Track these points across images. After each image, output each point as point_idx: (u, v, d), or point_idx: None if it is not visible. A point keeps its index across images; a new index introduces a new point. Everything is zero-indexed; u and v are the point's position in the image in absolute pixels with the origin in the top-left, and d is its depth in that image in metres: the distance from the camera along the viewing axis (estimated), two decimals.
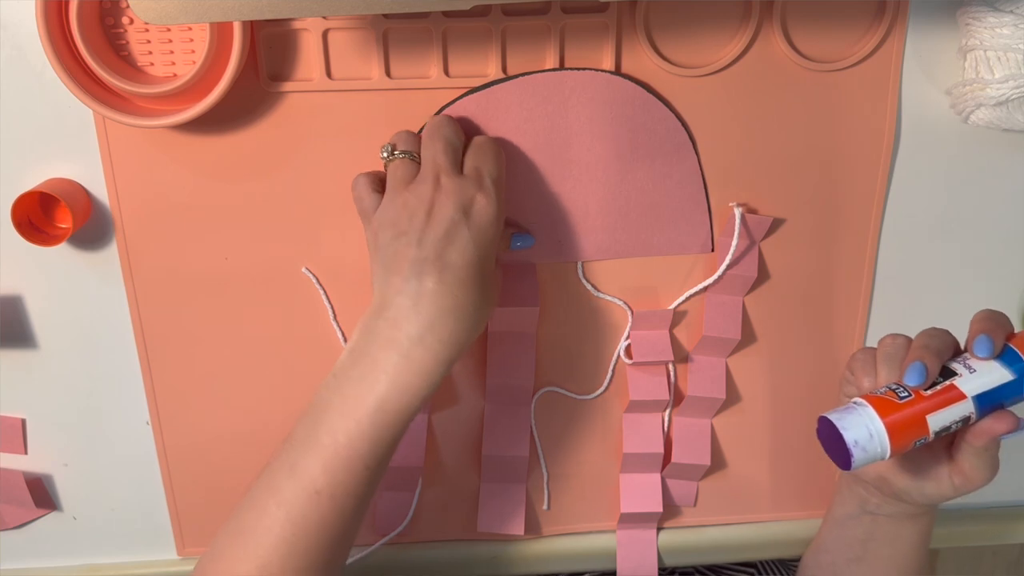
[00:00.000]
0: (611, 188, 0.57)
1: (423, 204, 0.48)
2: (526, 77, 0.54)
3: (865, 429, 0.46)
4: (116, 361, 0.59)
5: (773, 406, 0.64)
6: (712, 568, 0.72)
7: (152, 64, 0.52)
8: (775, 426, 0.64)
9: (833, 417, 0.47)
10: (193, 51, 0.52)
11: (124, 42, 0.51)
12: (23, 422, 0.60)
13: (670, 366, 0.62)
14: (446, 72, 0.53)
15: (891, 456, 0.46)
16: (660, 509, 0.64)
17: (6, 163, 0.54)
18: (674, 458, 0.63)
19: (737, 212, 0.57)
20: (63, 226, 0.55)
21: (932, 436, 0.47)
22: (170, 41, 0.51)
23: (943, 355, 0.48)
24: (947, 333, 0.50)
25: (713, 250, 0.59)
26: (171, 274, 0.57)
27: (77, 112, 0.53)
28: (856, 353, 0.53)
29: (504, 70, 0.54)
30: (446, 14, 0.52)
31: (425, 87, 0.53)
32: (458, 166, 0.50)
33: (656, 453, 0.63)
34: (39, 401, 0.60)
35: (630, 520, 0.65)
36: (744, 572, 0.71)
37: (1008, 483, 0.69)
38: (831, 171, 0.58)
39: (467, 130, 0.54)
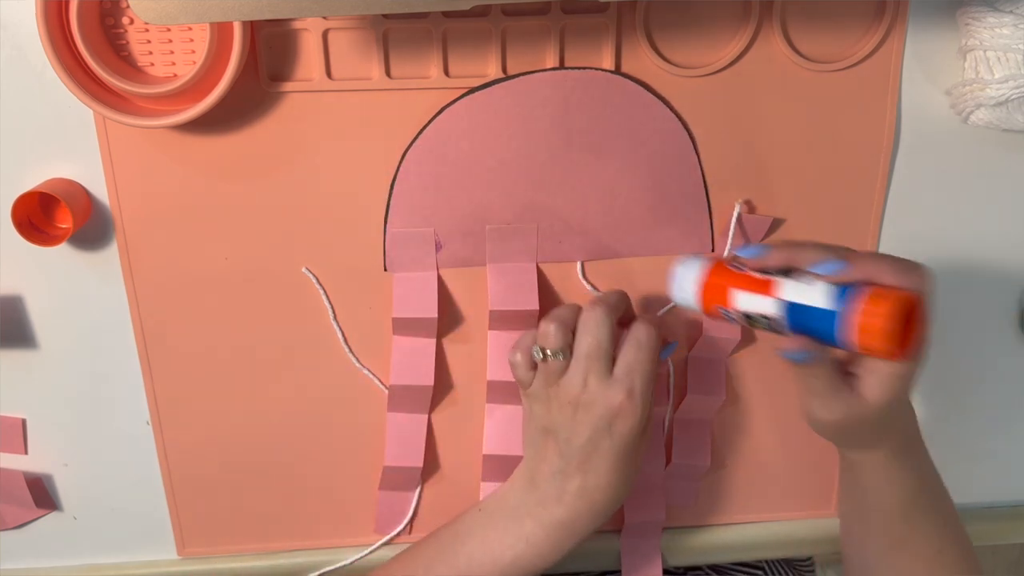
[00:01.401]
0: (611, 188, 0.57)
1: (569, 405, 0.51)
2: (526, 76, 0.54)
3: (693, 271, 0.51)
4: (116, 361, 0.59)
5: (773, 406, 0.64)
6: (718, 568, 0.72)
7: (152, 64, 0.52)
8: (775, 426, 0.64)
9: (683, 256, 0.52)
10: (193, 51, 0.52)
11: (124, 42, 0.51)
12: (23, 422, 0.60)
13: (670, 366, 0.62)
14: (446, 72, 0.53)
15: (702, 311, 0.51)
16: (663, 516, 0.64)
17: (6, 163, 0.54)
18: (674, 458, 0.63)
19: (736, 208, 0.57)
20: (63, 226, 0.55)
21: (737, 312, 0.49)
22: (170, 41, 0.51)
23: (797, 258, 0.48)
24: (820, 250, 0.48)
25: (713, 250, 0.59)
26: (171, 274, 0.57)
27: (77, 112, 0.53)
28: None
29: (504, 70, 0.54)
30: (446, 14, 0.52)
31: (425, 87, 0.53)
32: (609, 364, 0.51)
33: (657, 456, 0.63)
34: (39, 401, 0.60)
35: (634, 530, 0.65)
36: (750, 571, 0.71)
37: (1008, 483, 0.69)
38: (831, 171, 0.58)
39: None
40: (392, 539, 0.64)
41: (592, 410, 0.50)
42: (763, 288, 0.48)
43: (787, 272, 0.48)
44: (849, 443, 0.54)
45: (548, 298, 0.59)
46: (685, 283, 0.51)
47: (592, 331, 0.51)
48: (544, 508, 0.53)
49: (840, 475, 0.60)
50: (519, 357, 0.53)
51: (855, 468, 0.56)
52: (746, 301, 0.49)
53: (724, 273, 0.50)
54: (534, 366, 0.53)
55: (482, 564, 0.53)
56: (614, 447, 0.51)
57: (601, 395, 0.50)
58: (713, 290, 0.50)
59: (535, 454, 0.54)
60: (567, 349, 0.51)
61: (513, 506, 0.54)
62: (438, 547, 0.55)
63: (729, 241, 0.57)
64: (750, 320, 0.49)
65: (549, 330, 0.51)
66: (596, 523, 0.53)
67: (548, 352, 0.51)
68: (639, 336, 0.51)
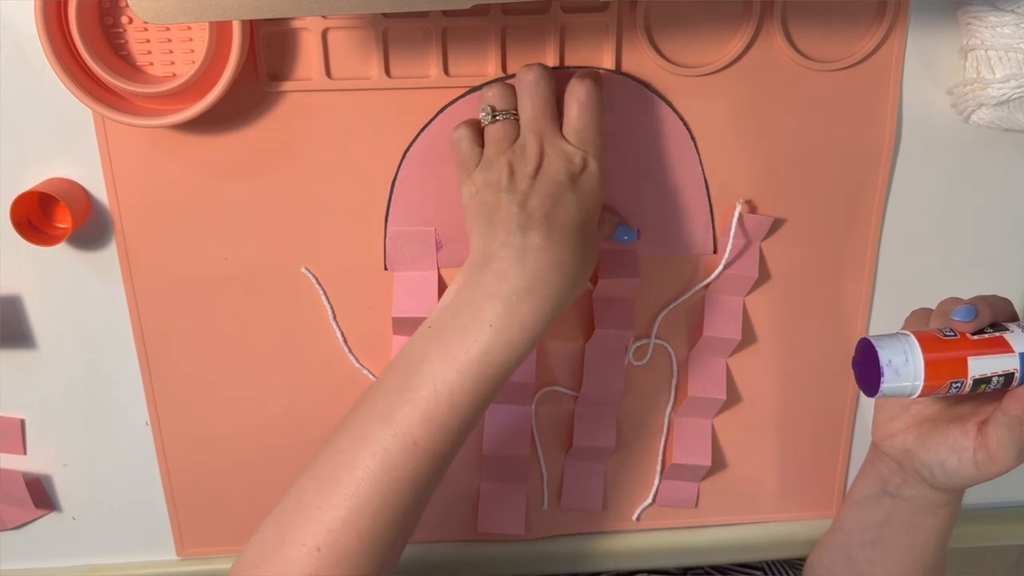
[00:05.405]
0: (612, 187, 0.57)
1: (529, 167, 0.48)
2: None
3: (903, 353, 0.45)
4: (116, 361, 0.59)
5: (774, 406, 0.64)
6: (719, 568, 0.72)
7: (151, 64, 0.52)
8: (776, 426, 0.64)
9: (873, 337, 0.45)
10: (192, 51, 0.51)
11: (123, 42, 0.51)
12: (23, 422, 0.60)
13: (672, 365, 0.62)
14: (446, 71, 0.53)
15: (922, 393, 0.44)
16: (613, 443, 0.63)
17: (6, 163, 0.54)
18: (674, 458, 0.63)
19: (737, 208, 0.57)
20: (62, 226, 0.55)
21: (969, 383, 0.45)
22: (169, 41, 0.51)
23: (998, 311, 0.48)
24: (1007, 300, 0.49)
25: (716, 250, 0.59)
26: (171, 274, 0.57)
27: (77, 112, 0.53)
28: (914, 311, 0.53)
29: (504, 69, 0.53)
30: (446, 13, 0.52)
31: (425, 86, 0.53)
32: (557, 124, 0.50)
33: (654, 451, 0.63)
34: (39, 401, 0.60)
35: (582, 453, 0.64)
36: (751, 572, 0.71)
37: (1008, 483, 0.69)
38: (832, 171, 0.58)
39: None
40: None
41: (554, 169, 0.48)
42: (995, 347, 0.46)
43: (992, 326, 0.47)
44: (934, 496, 0.53)
45: None
46: (904, 367, 0.45)
47: (534, 91, 0.49)
48: (503, 280, 0.46)
49: (881, 498, 0.56)
50: (463, 130, 0.51)
51: (917, 503, 0.54)
52: (982, 365, 0.45)
53: (947, 344, 0.46)
54: (479, 142, 0.51)
55: (446, 380, 0.45)
56: (577, 199, 0.48)
57: (561, 155, 0.48)
58: (942, 365, 0.45)
59: (487, 228, 0.48)
60: (514, 111, 0.50)
61: (465, 299, 0.47)
62: (397, 382, 0.47)
63: (730, 242, 0.57)
64: (978, 381, 0.46)
65: (495, 91, 0.50)
66: (565, 291, 0.47)
67: (498, 112, 0.50)
68: (579, 95, 0.49)
